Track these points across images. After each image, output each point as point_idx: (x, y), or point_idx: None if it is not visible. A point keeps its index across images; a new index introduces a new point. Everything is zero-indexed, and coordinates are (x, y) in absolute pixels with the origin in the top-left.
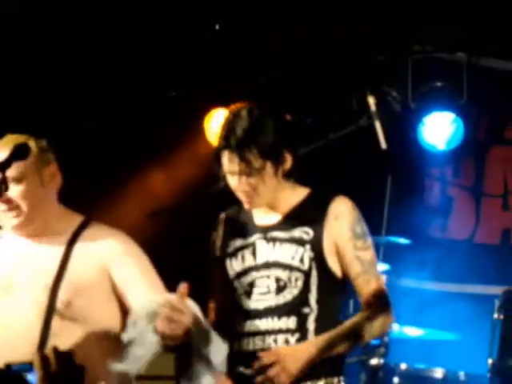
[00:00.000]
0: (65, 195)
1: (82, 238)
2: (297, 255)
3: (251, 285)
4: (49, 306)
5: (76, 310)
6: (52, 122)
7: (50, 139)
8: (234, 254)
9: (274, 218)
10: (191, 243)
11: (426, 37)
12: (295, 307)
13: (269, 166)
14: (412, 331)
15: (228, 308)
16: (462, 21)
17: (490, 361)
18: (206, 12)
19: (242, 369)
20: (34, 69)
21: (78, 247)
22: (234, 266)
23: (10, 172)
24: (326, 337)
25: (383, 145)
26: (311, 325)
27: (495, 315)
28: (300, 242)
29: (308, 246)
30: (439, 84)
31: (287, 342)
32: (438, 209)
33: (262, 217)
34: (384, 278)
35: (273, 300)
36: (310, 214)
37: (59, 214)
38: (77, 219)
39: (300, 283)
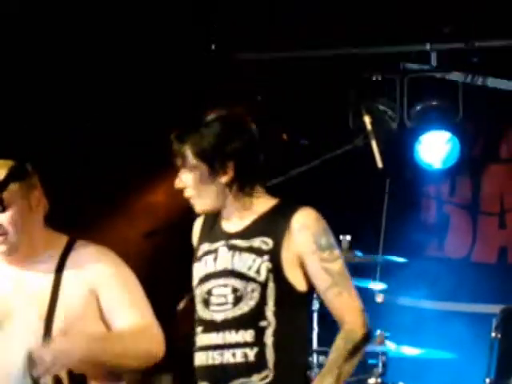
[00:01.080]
0: (60, 212)
1: (70, 263)
2: (254, 265)
3: (209, 293)
4: (45, 336)
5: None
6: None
7: (33, 162)
8: (200, 259)
9: (239, 225)
10: (188, 260)
11: (422, 55)
12: (252, 320)
13: (204, 169)
14: (409, 350)
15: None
16: (459, 39)
17: (487, 380)
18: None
19: (203, 383)
20: (34, 69)
21: (67, 273)
22: (197, 271)
23: None
24: (320, 378)
25: (379, 164)
26: (269, 339)
27: (493, 334)
28: (258, 252)
29: (266, 257)
30: (435, 103)
31: (246, 356)
32: (435, 227)
33: (229, 223)
34: (382, 296)
35: (230, 312)
36: (272, 225)
37: (46, 237)
38: (63, 241)
39: (256, 294)
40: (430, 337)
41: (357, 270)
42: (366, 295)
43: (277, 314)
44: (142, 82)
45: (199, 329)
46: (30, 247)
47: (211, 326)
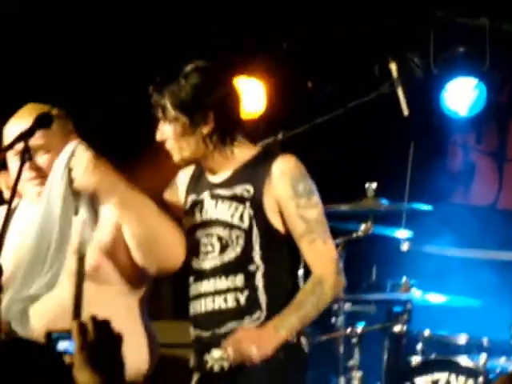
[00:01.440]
0: None
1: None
2: (236, 213)
3: (197, 243)
4: (78, 272)
5: (105, 273)
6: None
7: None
8: (187, 211)
9: (222, 175)
10: None
11: (449, 2)
12: (240, 265)
13: (184, 121)
14: (435, 298)
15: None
16: None
17: None
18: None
19: (198, 331)
20: (33, 69)
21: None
22: (186, 222)
23: (38, 141)
24: (284, 315)
25: (405, 111)
26: (259, 281)
27: None
28: (240, 200)
29: (248, 204)
30: (462, 50)
31: (237, 300)
32: (461, 174)
33: (213, 174)
34: (407, 244)
35: (218, 259)
36: (253, 173)
37: None
38: None
39: (241, 241)
40: (456, 284)
41: (382, 218)
42: (391, 243)
43: (264, 257)
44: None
45: (191, 278)
46: None
47: (202, 275)
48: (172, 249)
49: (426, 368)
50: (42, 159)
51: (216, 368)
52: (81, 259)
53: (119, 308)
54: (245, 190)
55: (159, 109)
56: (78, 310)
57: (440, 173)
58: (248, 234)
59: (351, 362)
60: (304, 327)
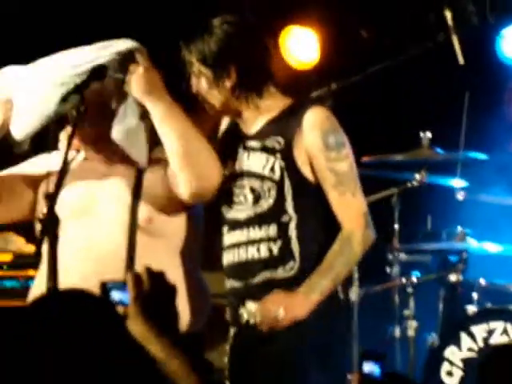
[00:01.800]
0: None
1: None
2: (268, 165)
3: (231, 194)
4: (131, 223)
5: (156, 225)
6: None
7: None
8: (222, 163)
9: (255, 127)
10: None
11: None
12: (273, 216)
13: (208, 74)
14: (490, 247)
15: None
16: None
17: None
18: None
19: (232, 282)
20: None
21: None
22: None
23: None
24: (315, 277)
25: (461, 60)
26: (292, 232)
27: None
28: (271, 152)
29: (279, 155)
30: None
31: (270, 250)
32: None
33: (246, 126)
34: (463, 193)
35: (251, 210)
36: (284, 124)
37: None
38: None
39: (273, 193)
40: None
41: (437, 168)
42: (447, 193)
43: (296, 208)
44: None
45: (225, 229)
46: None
47: (235, 225)
48: (210, 166)
49: (481, 317)
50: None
51: (252, 321)
52: (133, 212)
53: (170, 260)
54: (276, 141)
55: (188, 64)
56: (131, 261)
57: (496, 121)
58: (280, 185)
59: (406, 312)
60: (337, 286)
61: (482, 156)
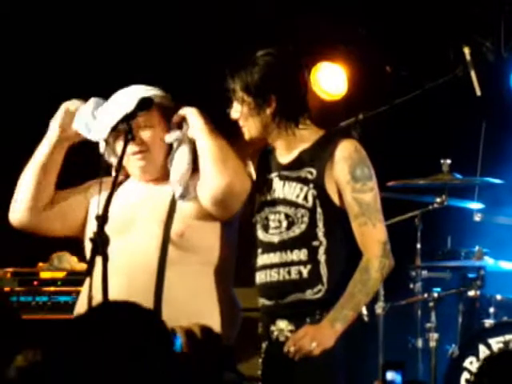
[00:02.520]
0: None
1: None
2: (301, 193)
3: (267, 219)
4: (164, 238)
5: (188, 240)
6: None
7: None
8: (258, 189)
9: (289, 157)
10: None
11: None
12: (305, 241)
13: (250, 102)
14: (507, 265)
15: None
16: None
17: None
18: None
19: (263, 300)
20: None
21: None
22: (257, 199)
23: (141, 119)
24: (337, 308)
25: (478, 92)
26: (322, 256)
27: None
28: (305, 181)
29: (311, 185)
30: None
31: (300, 273)
32: None
33: (282, 155)
34: (480, 215)
35: (284, 234)
36: (316, 156)
37: (165, 170)
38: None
39: (306, 219)
40: None
41: (456, 191)
42: (465, 214)
43: (327, 234)
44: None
45: (259, 250)
46: (162, 167)
47: (269, 247)
48: (241, 172)
49: (498, 330)
50: (145, 134)
51: (281, 338)
52: (167, 226)
53: (201, 275)
54: (309, 172)
55: (231, 91)
56: (161, 274)
57: (510, 148)
58: (312, 212)
59: (428, 325)
60: (358, 314)
61: (497, 180)
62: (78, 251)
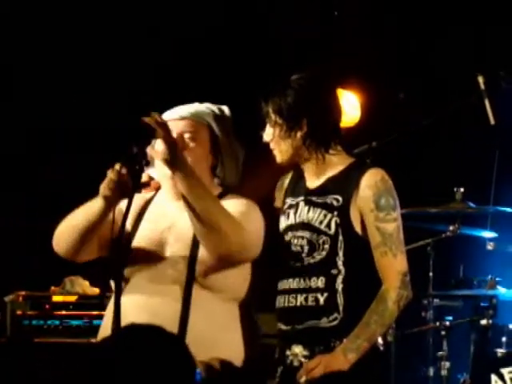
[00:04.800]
0: None
1: None
2: (325, 220)
3: (289, 243)
4: (188, 276)
5: (212, 280)
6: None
7: None
8: (284, 212)
9: (317, 182)
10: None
11: None
12: (324, 268)
13: (282, 125)
14: None
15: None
16: None
17: None
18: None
19: (280, 325)
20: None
21: None
22: (282, 222)
23: (187, 128)
24: (352, 338)
25: (492, 120)
26: (339, 285)
27: None
28: (330, 208)
29: (336, 212)
30: None
31: (317, 300)
32: None
33: (310, 180)
34: (493, 244)
35: (304, 260)
36: (344, 183)
37: (208, 180)
38: (218, 189)
39: (327, 246)
40: None
41: (470, 220)
42: (478, 243)
43: (346, 262)
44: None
45: (280, 274)
46: None
47: (288, 272)
48: (230, 233)
49: (510, 359)
50: (187, 145)
51: (295, 363)
52: (191, 264)
53: (223, 310)
54: (334, 199)
55: (265, 114)
56: (187, 311)
57: None
58: (334, 240)
59: (440, 353)
60: (372, 344)
61: (510, 209)
62: (90, 275)
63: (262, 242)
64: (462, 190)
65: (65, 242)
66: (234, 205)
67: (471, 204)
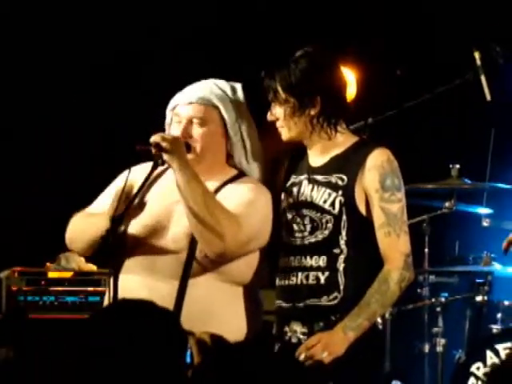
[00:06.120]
0: None
1: (227, 187)
2: (329, 199)
3: (291, 221)
4: (189, 254)
5: (213, 262)
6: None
7: None
8: (287, 190)
9: (321, 161)
10: None
11: None
12: (326, 247)
13: (294, 103)
14: None
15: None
16: None
17: None
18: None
19: (280, 302)
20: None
21: (219, 195)
22: (284, 200)
23: (198, 114)
24: (352, 316)
25: (488, 96)
26: (341, 265)
27: None
28: (334, 187)
29: (340, 192)
30: None
31: (318, 279)
32: None
33: (314, 158)
34: (488, 220)
35: (307, 239)
36: (348, 162)
37: (222, 165)
38: (232, 172)
39: (330, 225)
40: None
41: (465, 197)
42: (473, 219)
43: (348, 242)
44: None
45: (281, 252)
46: (208, 167)
47: (290, 250)
48: (218, 234)
49: (505, 335)
50: (196, 130)
51: (294, 340)
52: (192, 242)
53: (220, 289)
54: (339, 178)
55: (271, 92)
56: (183, 289)
57: None
58: (337, 219)
59: (435, 330)
60: (372, 323)
61: (506, 186)
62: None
63: (268, 230)
64: (457, 166)
65: (80, 244)
66: (241, 192)
67: (467, 180)
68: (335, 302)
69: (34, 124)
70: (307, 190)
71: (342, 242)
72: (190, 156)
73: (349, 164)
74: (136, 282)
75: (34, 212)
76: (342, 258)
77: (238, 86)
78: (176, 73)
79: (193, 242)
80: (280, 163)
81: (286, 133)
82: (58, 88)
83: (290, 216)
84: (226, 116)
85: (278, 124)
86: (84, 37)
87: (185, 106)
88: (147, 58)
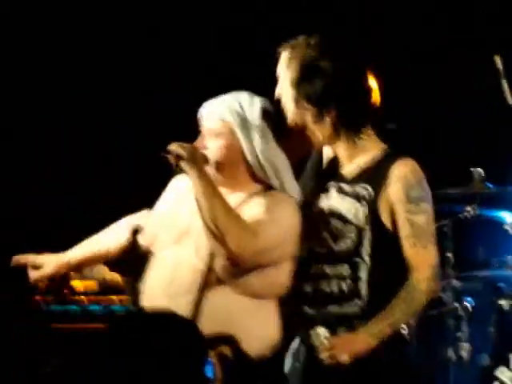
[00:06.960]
0: None
1: (253, 199)
2: (353, 209)
3: (316, 228)
4: (208, 265)
5: (232, 275)
6: None
7: None
8: (313, 195)
9: (348, 168)
10: None
11: None
12: (348, 257)
13: (311, 109)
14: None
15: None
16: None
17: None
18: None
19: (304, 308)
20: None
21: (245, 206)
22: (309, 206)
23: (214, 126)
24: (375, 321)
25: (510, 100)
26: (363, 274)
27: None
28: (359, 198)
29: (364, 203)
30: None
31: (340, 287)
32: None
33: (343, 165)
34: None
35: (330, 247)
36: (374, 173)
37: (245, 181)
38: (259, 186)
39: (353, 236)
40: None
41: (488, 201)
42: (496, 224)
43: (371, 253)
44: None
45: (305, 259)
46: (229, 180)
47: (313, 258)
48: (239, 241)
49: None
50: (211, 143)
51: (317, 343)
52: (211, 256)
53: (242, 299)
54: (364, 189)
55: (294, 100)
56: (200, 299)
57: None
58: (360, 230)
59: (459, 335)
60: (395, 331)
61: None
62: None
63: (293, 241)
64: (480, 170)
65: None
66: (263, 203)
67: (490, 185)
68: (356, 308)
69: (34, 124)
70: (333, 199)
71: (365, 253)
72: (206, 166)
73: (374, 175)
74: (157, 290)
75: (34, 212)
76: (364, 267)
77: (257, 102)
78: (176, 73)
79: (211, 254)
80: (307, 167)
81: (312, 139)
82: (58, 88)
83: (313, 223)
84: (238, 132)
85: (307, 131)
86: (84, 37)
87: (204, 118)
88: (147, 57)
